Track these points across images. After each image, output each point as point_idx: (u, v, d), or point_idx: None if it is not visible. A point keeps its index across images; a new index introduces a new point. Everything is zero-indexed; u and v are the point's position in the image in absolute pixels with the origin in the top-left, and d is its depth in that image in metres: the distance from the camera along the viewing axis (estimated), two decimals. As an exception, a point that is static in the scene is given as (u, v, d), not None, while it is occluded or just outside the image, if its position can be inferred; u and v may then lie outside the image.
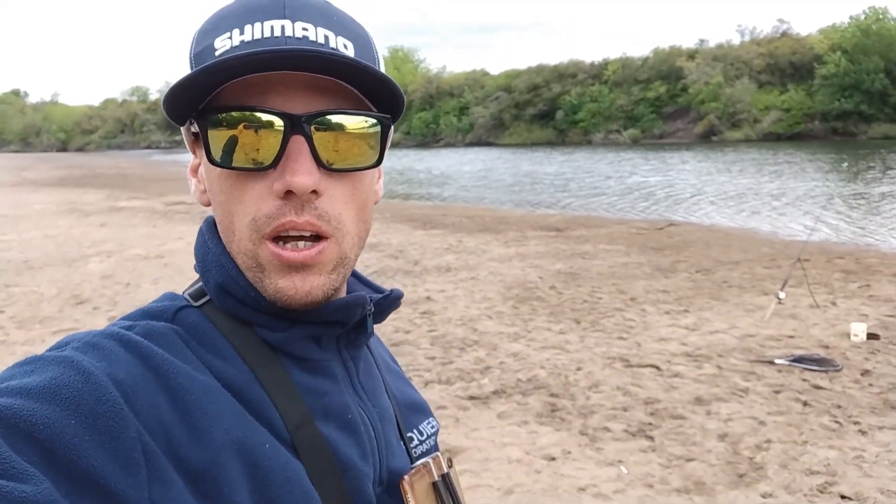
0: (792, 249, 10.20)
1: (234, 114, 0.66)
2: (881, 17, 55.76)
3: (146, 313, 0.72)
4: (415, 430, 0.87)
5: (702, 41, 70.04)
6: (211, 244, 0.75)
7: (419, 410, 0.90)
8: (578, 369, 5.81)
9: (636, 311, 7.67)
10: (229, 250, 0.72)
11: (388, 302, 0.80)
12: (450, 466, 0.82)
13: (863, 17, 56.53)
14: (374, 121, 0.71)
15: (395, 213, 17.55)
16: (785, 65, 60.94)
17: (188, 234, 13.86)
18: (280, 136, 0.66)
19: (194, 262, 0.79)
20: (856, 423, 4.67)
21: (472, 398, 5.26)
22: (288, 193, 0.66)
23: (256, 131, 0.66)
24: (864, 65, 53.42)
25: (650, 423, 4.75)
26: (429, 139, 77.90)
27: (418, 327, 7.09)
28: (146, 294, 8.42)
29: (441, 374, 5.74)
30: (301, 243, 0.69)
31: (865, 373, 5.58)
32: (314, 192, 0.67)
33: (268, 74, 0.66)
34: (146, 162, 57.33)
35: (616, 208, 18.44)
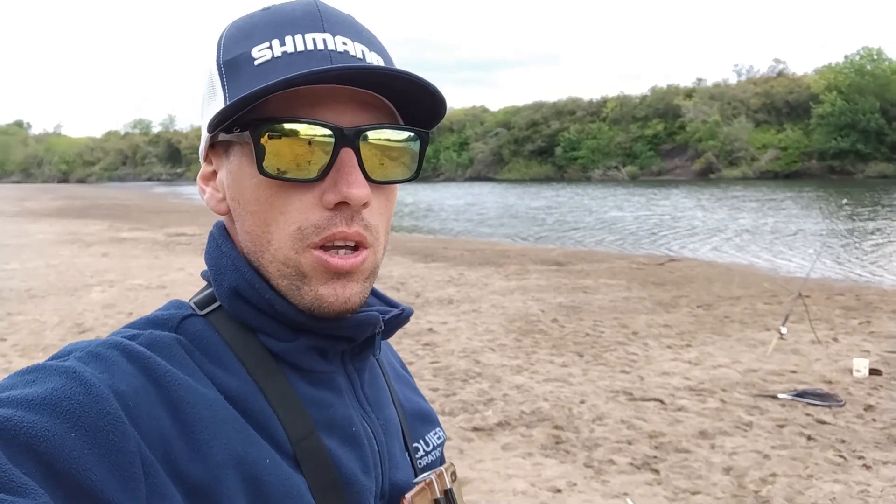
0: (792, 285, 10.25)
1: (287, 125, 0.66)
2: (875, 57, 56.62)
3: (151, 322, 0.72)
4: (421, 441, 0.85)
5: (699, 80, 71.11)
6: (225, 248, 0.74)
7: (426, 420, 0.89)
8: (582, 402, 5.81)
9: (639, 344, 7.68)
10: (257, 258, 0.71)
11: (399, 320, 0.80)
12: (453, 481, 0.81)
13: (857, 57, 57.39)
14: (415, 135, 0.73)
15: (395, 245, 17.61)
16: (781, 104, 61.75)
17: (189, 266, 13.90)
18: (330, 149, 0.67)
19: (205, 267, 0.78)
20: (860, 457, 4.66)
21: (476, 430, 5.25)
22: (340, 204, 0.67)
23: (309, 143, 0.66)
24: (860, 104, 54.14)
25: (655, 457, 4.74)
26: (429, 173, 78.37)
27: (421, 359, 7.10)
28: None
29: (444, 406, 5.73)
30: (342, 252, 0.69)
31: (869, 408, 5.58)
32: (364, 203, 0.68)
33: (314, 87, 0.67)
34: (147, 194, 57.59)
35: (616, 244, 18.54)
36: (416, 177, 0.74)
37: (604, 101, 72.51)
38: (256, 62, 0.68)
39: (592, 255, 16.04)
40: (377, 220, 0.71)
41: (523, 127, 72.83)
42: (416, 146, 0.73)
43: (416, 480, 0.79)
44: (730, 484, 4.31)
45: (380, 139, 0.69)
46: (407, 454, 0.81)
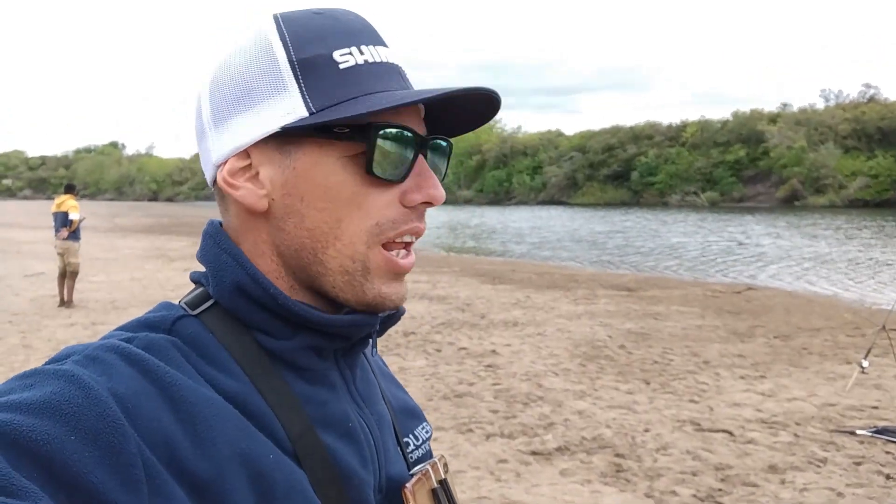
0: (877, 318, 9.70)
1: (394, 130, 0.71)
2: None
3: (143, 324, 0.71)
4: (411, 436, 0.87)
5: (784, 105, 68.86)
6: (226, 245, 0.74)
7: (413, 415, 0.91)
8: (646, 430, 5.65)
9: (709, 374, 7.43)
10: (322, 256, 0.72)
11: (392, 320, 0.80)
12: (446, 471, 0.83)
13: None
14: (447, 144, 0.79)
15: (464, 267, 17.66)
16: (872, 130, 59.07)
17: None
18: (412, 154, 0.72)
19: (198, 265, 0.78)
20: (946, 501, 4.36)
21: (534, 453, 5.17)
22: (422, 204, 0.73)
23: (404, 148, 0.72)
24: (959, 130, 51.20)
25: (720, 490, 4.56)
26: (501, 197, 78.42)
27: (482, 380, 7.06)
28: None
29: (503, 428, 5.68)
30: (401, 252, 0.74)
31: (958, 449, 5.22)
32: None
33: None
34: (229, 212, 59.61)
35: (692, 270, 18.04)
36: (443, 180, 0.79)
37: (684, 126, 71.08)
38: (341, 66, 0.71)
39: (665, 281, 15.66)
40: None
41: (598, 151, 72.09)
42: (448, 153, 0.80)
43: (412, 472, 0.80)
44: (799, 522, 4.10)
45: (441, 147, 0.78)
46: (399, 448, 0.82)
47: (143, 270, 16.19)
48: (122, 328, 0.71)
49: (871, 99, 64.48)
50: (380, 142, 0.70)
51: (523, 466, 4.93)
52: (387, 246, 0.72)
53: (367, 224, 0.71)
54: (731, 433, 5.62)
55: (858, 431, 5.57)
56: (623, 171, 70.01)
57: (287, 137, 0.71)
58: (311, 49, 0.71)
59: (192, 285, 0.77)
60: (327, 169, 0.71)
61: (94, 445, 0.56)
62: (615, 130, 74.39)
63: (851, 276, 16.36)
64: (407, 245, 0.74)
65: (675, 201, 64.25)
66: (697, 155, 67.04)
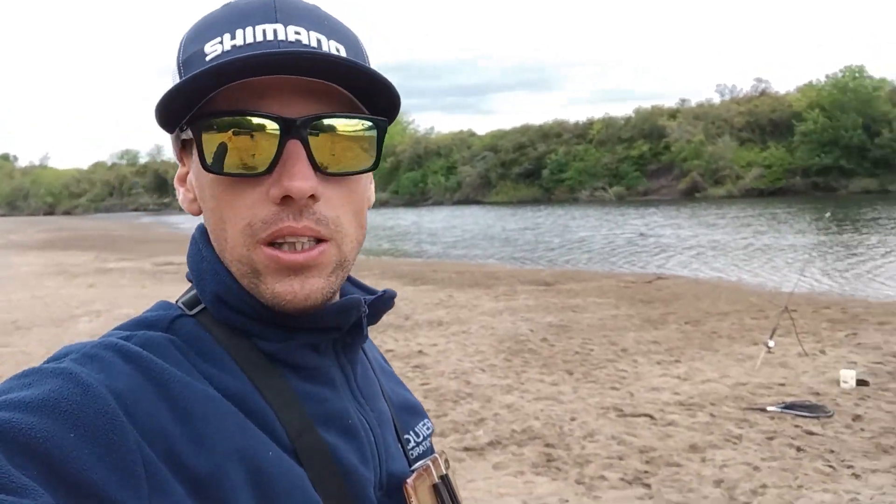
0: (779, 300, 10.31)
1: (227, 119, 0.65)
2: (857, 75, 57.48)
3: (141, 323, 0.71)
4: (411, 433, 0.86)
5: (683, 101, 71.74)
6: (205, 252, 0.73)
7: (414, 412, 0.90)
8: (573, 419, 5.81)
9: (628, 361, 7.70)
10: (222, 258, 0.71)
11: (382, 302, 0.78)
12: (447, 467, 0.83)
13: (839, 75, 58.25)
14: (370, 123, 0.70)
15: (384, 269, 17.62)
16: (765, 122, 62.39)
17: (177, 294, 13.71)
18: (276, 141, 0.65)
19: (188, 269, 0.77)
20: (849, 466, 4.68)
21: (467, 449, 5.24)
22: (285, 199, 0.65)
23: (252, 136, 0.65)
24: (843, 121, 54.79)
25: (646, 471, 4.74)
26: (417, 198, 78.55)
27: (411, 381, 7.08)
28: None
29: (435, 427, 5.70)
30: (299, 245, 0.67)
31: (857, 418, 5.61)
32: (312, 196, 0.66)
33: (262, 79, 0.64)
34: (134, 224, 57.38)
35: (604, 262, 18.62)
36: (376, 167, 0.72)
37: (590, 124, 73.07)
38: (207, 58, 0.67)
39: (581, 274, 16.10)
40: (336, 212, 0.69)
41: (510, 150, 73.20)
42: (372, 135, 0.71)
43: (413, 468, 0.79)
44: (721, 496, 4.31)
45: (332, 129, 0.67)
46: (399, 445, 0.82)
47: (45, 288, 15.36)
48: (120, 327, 0.71)
49: (763, 93, 68.03)
50: (205, 134, 0.66)
51: (457, 463, 4.98)
52: (274, 244, 0.67)
53: (241, 225, 0.68)
54: (652, 417, 5.85)
55: (769, 408, 5.91)
56: (534, 168, 71.35)
57: (189, 140, 0.70)
58: (191, 47, 0.70)
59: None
60: (199, 168, 0.69)
61: (94, 442, 0.56)
62: (525, 129, 75.73)
63: (749, 261, 17.26)
64: (311, 241, 0.68)
65: (585, 197, 65.99)
66: (604, 151, 69.03)
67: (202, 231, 0.75)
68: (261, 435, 0.66)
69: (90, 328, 10.25)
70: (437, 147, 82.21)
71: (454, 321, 10.25)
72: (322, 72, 0.65)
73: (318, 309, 0.70)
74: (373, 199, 0.80)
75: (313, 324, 0.72)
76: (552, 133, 73.70)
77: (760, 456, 4.92)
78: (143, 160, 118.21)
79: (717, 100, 70.51)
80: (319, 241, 0.68)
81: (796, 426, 5.50)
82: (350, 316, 0.73)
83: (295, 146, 0.65)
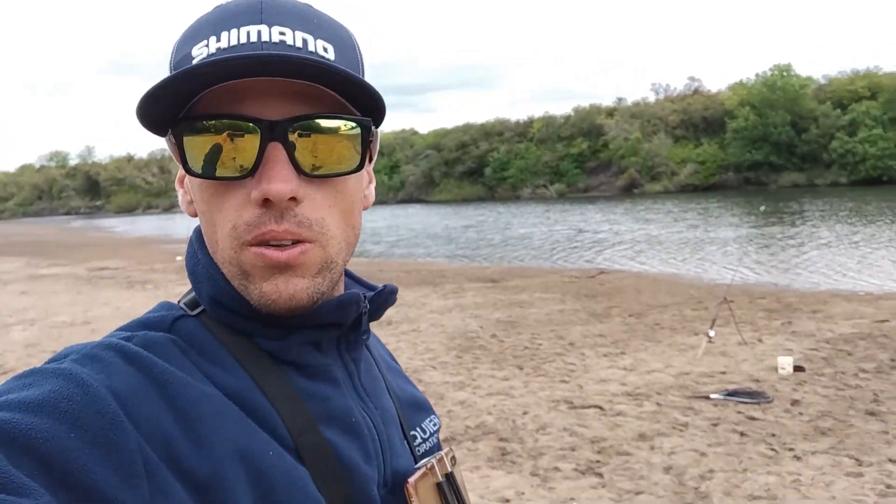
0: (717, 291, 10.67)
1: (208, 122, 0.65)
2: (785, 73, 59.71)
3: (143, 324, 0.71)
4: (418, 429, 0.85)
5: (619, 99, 73.31)
6: (200, 255, 0.74)
7: (421, 408, 0.89)
8: (525, 413, 5.89)
9: (576, 355, 7.84)
10: (215, 260, 0.71)
11: (383, 298, 0.78)
12: (453, 465, 0.82)
13: (769, 73, 60.40)
14: (353, 124, 0.69)
15: (330, 270, 17.45)
16: (698, 120, 64.28)
17: (115, 300, 13.45)
18: (257, 144, 0.65)
19: (187, 272, 0.77)
20: (790, 449, 4.88)
21: (421, 447, 5.25)
22: (266, 201, 0.65)
23: (232, 139, 0.65)
24: (772, 118, 56.89)
25: (598, 461, 4.85)
26: (360, 198, 77.97)
27: (362, 380, 7.05)
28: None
29: (389, 425, 5.71)
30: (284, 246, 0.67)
31: (795, 402, 5.85)
32: (293, 199, 0.65)
33: (244, 81, 0.64)
34: (66, 228, 55.39)
35: (547, 259, 18.88)
36: (361, 168, 0.71)
37: (530, 122, 73.99)
38: (194, 61, 0.67)
39: (526, 270, 16.30)
40: (320, 213, 0.68)
41: (452, 149, 73.52)
42: (356, 135, 0.69)
43: (417, 466, 0.79)
44: (671, 482, 4.44)
45: (312, 130, 0.67)
46: (406, 442, 0.81)
47: (-27, 296, 14.70)
48: (121, 328, 0.70)
49: (696, 91, 70.05)
50: (187, 138, 0.66)
51: (412, 461, 4.99)
52: (261, 245, 0.67)
53: (228, 227, 0.68)
54: (601, 408, 5.97)
55: (712, 396, 6.11)
56: (477, 167, 71.85)
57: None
58: (182, 50, 0.70)
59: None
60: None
61: (94, 442, 0.56)
62: (467, 128, 76.14)
63: (686, 255, 17.78)
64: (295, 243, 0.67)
65: (527, 194, 66.83)
66: (544, 149, 69.99)
67: (198, 234, 0.76)
68: (262, 434, 0.66)
69: (24, 337, 9.87)
70: (379, 146, 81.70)
71: (403, 320, 10.24)
72: (301, 73, 0.65)
73: (306, 310, 0.70)
74: (371, 198, 0.81)
75: (312, 321, 0.72)
76: (494, 132, 74.31)
77: (706, 442, 5.08)
78: (73, 162, 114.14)
79: (652, 98, 72.32)
80: (300, 243, 0.67)
81: (739, 412, 5.70)
82: (350, 312, 0.73)
83: (275, 148, 0.65)
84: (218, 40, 0.66)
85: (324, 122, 0.67)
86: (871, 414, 5.49)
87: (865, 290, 11.42)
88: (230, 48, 0.66)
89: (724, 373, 6.85)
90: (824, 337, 8.08)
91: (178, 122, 0.66)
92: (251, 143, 0.65)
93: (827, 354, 7.31)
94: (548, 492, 4.41)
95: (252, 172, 0.65)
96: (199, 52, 0.67)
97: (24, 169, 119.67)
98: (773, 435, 5.16)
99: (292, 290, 0.67)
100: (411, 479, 0.76)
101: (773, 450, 4.89)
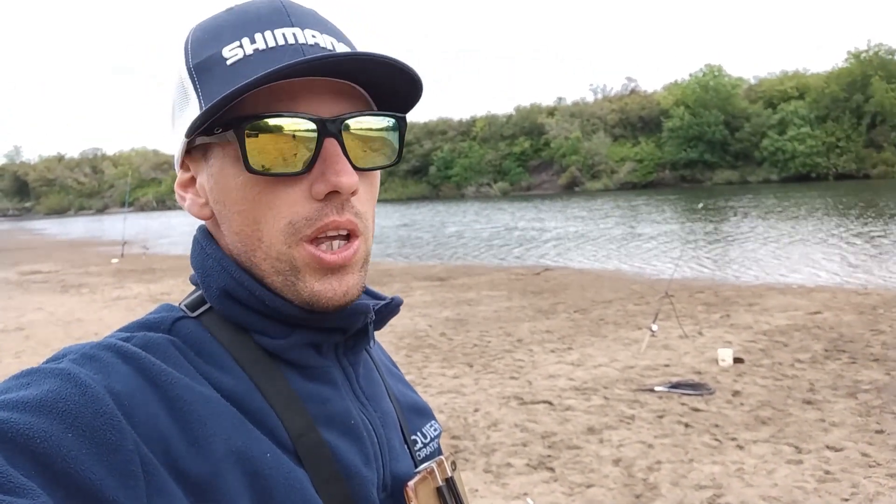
0: (658, 286, 10.95)
1: (270, 121, 0.66)
2: (717, 74, 61.60)
3: (142, 325, 0.71)
4: (418, 433, 0.85)
5: (559, 99, 74.46)
6: (209, 249, 0.74)
7: (422, 413, 0.89)
8: (476, 410, 5.93)
9: (524, 351, 7.93)
10: (249, 258, 0.71)
11: (389, 309, 0.79)
12: (454, 470, 0.81)
13: (701, 74, 62.23)
14: (394, 121, 0.73)
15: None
16: (635, 119, 65.86)
17: (49, 304, 12.99)
18: (314, 141, 0.67)
19: (192, 271, 0.77)
20: (733, 439, 5.05)
21: (374, 447, 5.23)
22: (331, 194, 0.68)
23: (293, 137, 0.67)
24: (706, 117, 58.68)
25: (549, 455, 4.91)
26: (302, 197, 77.26)
27: (311, 382, 6.98)
28: (8, 369, 7.77)
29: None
30: (335, 243, 0.70)
31: (736, 393, 6.05)
32: (353, 191, 0.69)
33: (299, 81, 0.67)
34: (-7, 231, 53.09)
35: (493, 256, 19.03)
36: (398, 162, 0.75)
37: (473, 121, 74.44)
38: (229, 62, 0.68)
39: (472, 268, 16.39)
40: (365, 207, 0.72)
41: (396, 147, 73.45)
42: (395, 131, 0.74)
43: (417, 470, 0.79)
44: (620, 474, 4.53)
45: (361, 127, 0.70)
46: (406, 446, 0.82)
47: None
48: (121, 329, 0.70)
49: (633, 91, 71.74)
50: (249, 135, 0.67)
51: (365, 461, 4.96)
52: (315, 241, 0.69)
53: (281, 224, 0.69)
54: (550, 403, 6.06)
55: (657, 388, 6.26)
56: (421, 165, 71.95)
57: (204, 144, 0.72)
58: (205, 51, 0.70)
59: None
60: (231, 171, 0.70)
61: (92, 442, 0.56)
62: (411, 126, 75.20)
63: (627, 251, 18.19)
64: (343, 237, 0.70)
65: (471, 193, 67.26)
66: (487, 148, 70.59)
67: (204, 231, 0.77)
68: (260, 436, 0.66)
69: (-49, 345, 9.42)
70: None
71: (350, 320, 10.17)
72: (349, 73, 0.69)
73: (349, 305, 0.72)
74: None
75: (319, 323, 0.72)
76: (437, 130, 74.50)
77: (653, 434, 5.21)
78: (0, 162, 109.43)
79: (590, 98, 73.68)
80: (350, 237, 0.71)
81: (683, 404, 5.86)
82: (357, 321, 0.75)
83: (332, 144, 0.68)
84: (252, 42, 0.68)
85: (371, 119, 0.71)
86: (808, 403, 5.71)
87: (799, 283, 11.88)
88: (270, 50, 0.68)
89: (667, 365, 7.03)
90: (761, 329, 8.38)
91: (235, 121, 0.67)
92: (308, 140, 0.67)
93: (764, 346, 7.57)
94: (501, 488, 4.45)
95: (309, 168, 0.68)
96: (234, 54, 0.68)
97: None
98: (717, 425, 5.32)
99: (345, 287, 0.70)
100: (411, 483, 0.76)
101: (716, 440, 5.04)
